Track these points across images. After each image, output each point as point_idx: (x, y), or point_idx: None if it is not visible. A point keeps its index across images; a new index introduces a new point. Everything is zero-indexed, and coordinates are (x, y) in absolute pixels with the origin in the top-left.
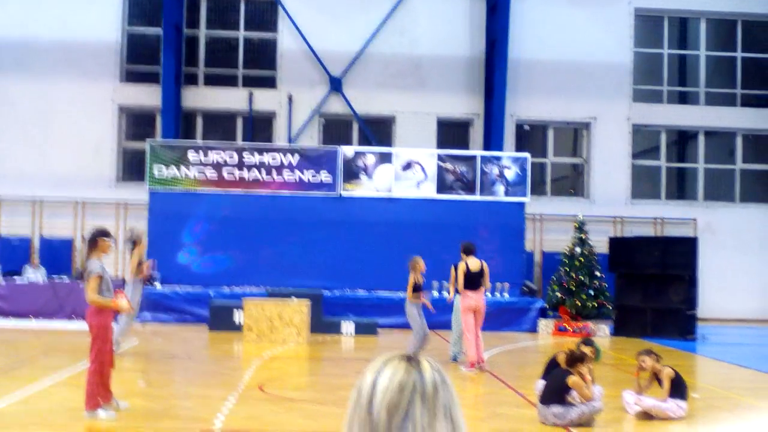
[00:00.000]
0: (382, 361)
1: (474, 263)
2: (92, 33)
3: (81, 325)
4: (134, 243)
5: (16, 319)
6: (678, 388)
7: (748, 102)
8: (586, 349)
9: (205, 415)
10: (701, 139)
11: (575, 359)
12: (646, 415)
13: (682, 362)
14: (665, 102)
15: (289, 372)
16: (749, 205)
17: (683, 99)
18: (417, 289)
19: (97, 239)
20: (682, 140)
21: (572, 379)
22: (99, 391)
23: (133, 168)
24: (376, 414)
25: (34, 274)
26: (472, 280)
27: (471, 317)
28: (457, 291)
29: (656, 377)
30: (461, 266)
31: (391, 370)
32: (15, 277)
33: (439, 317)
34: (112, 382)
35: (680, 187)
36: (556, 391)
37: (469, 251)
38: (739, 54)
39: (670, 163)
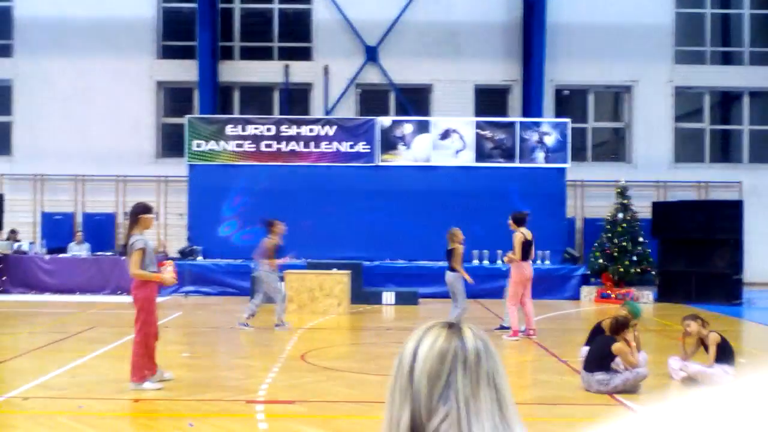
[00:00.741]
0: (424, 329)
1: (528, 233)
2: (128, 10)
3: (125, 299)
4: (270, 226)
5: (62, 294)
6: (724, 354)
7: None
8: (622, 312)
9: (249, 385)
10: (745, 100)
11: (620, 326)
12: (692, 381)
13: (728, 327)
14: (708, 63)
15: (331, 342)
16: None
17: (726, 60)
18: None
19: (139, 215)
20: (726, 102)
21: (617, 346)
22: (144, 363)
23: (172, 143)
24: (417, 382)
25: (78, 250)
26: (527, 250)
27: (521, 288)
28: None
29: (702, 343)
30: (518, 236)
31: (432, 337)
32: (60, 254)
33: (482, 286)
34: (157, 353)
35: (724, 150)
36: (600, 358)
37: (522, 221)
38: None
39: (713, 126)
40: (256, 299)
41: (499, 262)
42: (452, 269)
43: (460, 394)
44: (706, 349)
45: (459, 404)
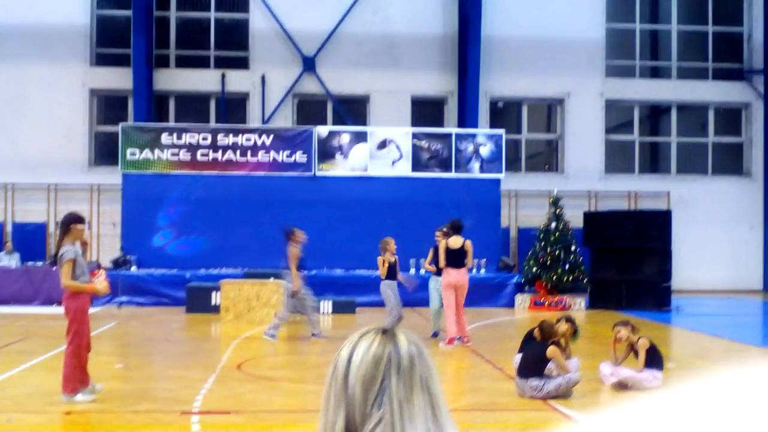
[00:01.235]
0: (358, 335)
1: (455, 241)
2: (61, 16)
3: (57, 310)
4: (290, 235)
5: None
6: (654, 359)
7: (720, 75)
8: (565, 326)
9: (184, 396)
10: (674, 112)
11: (548, 329)
12: (623, 386)
13: (657, 333)
14: (637, 77)
15: (267, 352)
16: (721, 178)
17: (655, 73)
18: (391, 269)
19: (70, 225)
20: (655, 114)
21: (551, 349)
22: (77, 375)
23: (105, 152)
24: (352, 387)
25: (8, 260)
26: (454, 258)
27: (452, 294)
28: (439, 269)
29: (632, 348)
30: (442, 244)
31: (367, 343)
32: None
33: (416, 294)
34: (89, 365)
35: (653, 161)
36: (533, 364)
37: (456, 229)
38: (710, 28)
39: (643, 137)
40: (283, 311)
41: (421, 270)
42: (385, 278)
43: (394, 398)
44: (636, 354)
45: (393, 409)
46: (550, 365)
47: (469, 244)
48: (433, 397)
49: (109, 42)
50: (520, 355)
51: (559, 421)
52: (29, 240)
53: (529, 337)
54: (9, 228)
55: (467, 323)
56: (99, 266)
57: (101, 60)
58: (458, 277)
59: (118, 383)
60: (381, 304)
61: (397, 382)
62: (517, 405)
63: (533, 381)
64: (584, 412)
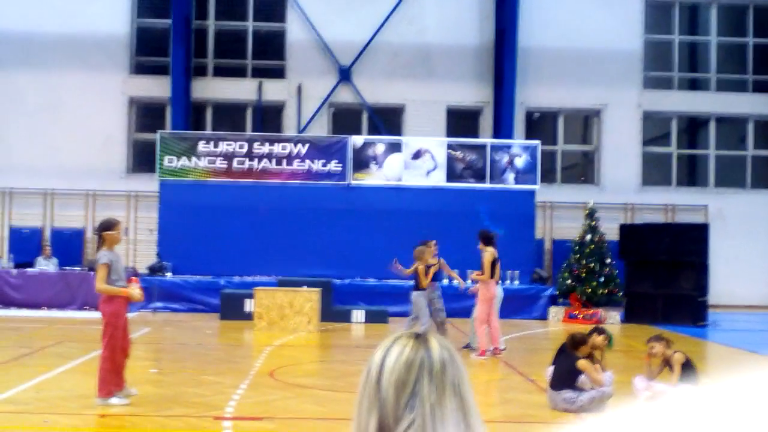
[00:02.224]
0: (392, 339)
1: (494, 251)
2: (101, 26)
3: (93, 315)
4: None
5: (29, 309)
6: (688, 373)
7: (759, 88)
8: (599, 339)
9: (217, 401)
10: (712, 125)
11: (577, 342)
12: (657, 401)
13: (693, 348)
14: (676, 89)
15: (300, 359)
16: (760, 191)
17: (694, 85)
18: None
19: (107, 231)
20: (693, 127)
21: (581, 363)
22: (111, 379)
23: (143, 159)
24: (385, 391)
25: (46, 265)
26: (494, 270)
27: (489, 307)
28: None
29: (667, 363)
30: (488, 255)
31: (400, 347)
32: (27, 268)
33: (451, 305)
34: (125, 369)
35: (691, 174)
36: (565, 376)
37: (490, 240)
38: (750, 39)
39: (681, 150)
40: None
41: (462, 281)
42: (417, 288)
43: (426, 402)
44: (671, 369)
45: (425, 412)
46: (583, 378)
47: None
48: (465, 402)
49: (148, 51)
50: (552, 368)
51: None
52: (67, 246)
53: (561, 350)
54: (48, 233)
55: (501, 335)
56: (135, 273)
57: (140, 69)
58: (499, 289)
59: (153, 388)
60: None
61: (429, 386)
62: (550, 418)
63: (566, 393)
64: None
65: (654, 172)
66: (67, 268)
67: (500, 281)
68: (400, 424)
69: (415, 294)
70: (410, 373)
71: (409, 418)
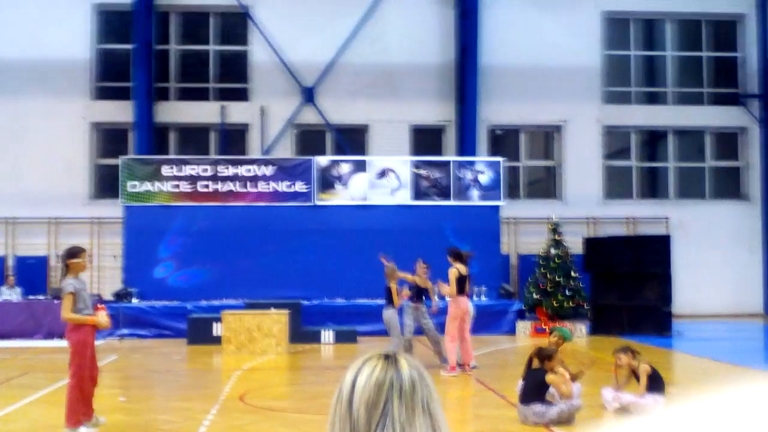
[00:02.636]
0: (362, 360)
1: (463, 268)
2: (63, 51)
3: (59, 344)
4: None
5: None
6: (655, 383)
7: (716, 101)
8: (553, 340)
9: (187, 427)
10: (671, 138)
11: (544, 355)
12: (625, 411)
13: (659, 358)
14: (634, 103)
15: (270, 382)
16: (720, 202)
17: (652, 99)
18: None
19: (70, 259)
20: (653, 140)
21: (551, 377)
22: (79, 408)
23: (106, 185)
24: (356, 411)
25: (9, 294)
26: (462, 285)
27: (458, 323)
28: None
29: (633, 374)
30: (453, 271)
31: (370, 368)
32: None
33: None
34: (93, 397)
35: (652, 187)
36: (535, 390)
37: (459, 256)
38: (704, 53)
39: (641, 163)
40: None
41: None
42: (388, 305)
43: (396, 421)
44: (638, 379)
45: (395, 431)
46: (552, 391)
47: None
48: (435, 420)
49: (109, 76)
50: (522, 382)
51: None
52: (31, 274)
53: (530, 363)
54: (11, 262)
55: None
56: (101, 300)
57: (102, 93)
58: (467, 304)
59: (121, 416)
60: (383, 332)
61: (399, 406)
62: None
63: (535, 407)
64: None
65: (616, 186)
66: (31, 297)
67: (469, 297)
68: None
69: (387, 312)
70: (381, 394)
71: None
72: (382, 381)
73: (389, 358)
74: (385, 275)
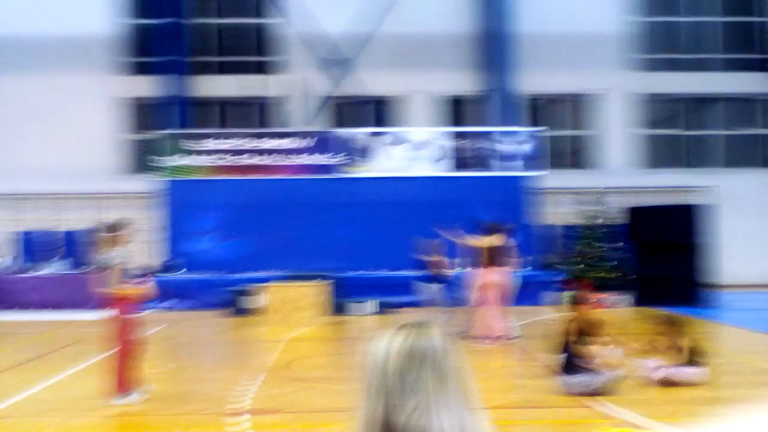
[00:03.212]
0: (395, 329)
1: (490, 240)
2: (104, 26)
3: (106, 315)
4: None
5: (44, 311)
6: (698, 355)
7: (765, 67)
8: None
9: (230, 396)
10: (717, 106)
11: (589, 327)
12: (668, 382)
13: (703, 329)
14: (679, 70)
15: (312, 352)
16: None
17: (697, 66)
18: (438, 267)
19: (114, 232)
20: (698, 107)
21: (594, 348)
22: (128, 376)
23: (148, 159)
24: (390, 377)
25: (59, 267)
26: (493, 257)
27: (484, 293)
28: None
29: (676, 347)
30: (483, 242)
31: (403, 337)
32: (40, 271)
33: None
34: (141, 367)
35: (698, 155)
36: (578, 360)
37: (487, 230)
38: (756, 18)
39: (686, 132)
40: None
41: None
42: (437, 279)
43: (429, 387)
44: (680, 351)
45: (428, 396)
46: (597, 362)
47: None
48: (464, 386)
49: (150, 51)
50: (564, 354)
51: (605, 418)
52: (76, 247)
53: (571, 335)
54: (60, 236)
55: (511, 321)
56: (147, 271)
57: (143, 68)
58: (496, 276)
59: (169, 385)
60: (420, 304)
61: (431, 373)
62: (563, 402)
63: (579, 377)
64: (631, 409)
65: (660, 154)
66: (77, 270)
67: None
68: (406, 408)
69: (434, 286)
70: (413, 360)
71: (413, 402)
72: (414, 349)
73: (422, 326)
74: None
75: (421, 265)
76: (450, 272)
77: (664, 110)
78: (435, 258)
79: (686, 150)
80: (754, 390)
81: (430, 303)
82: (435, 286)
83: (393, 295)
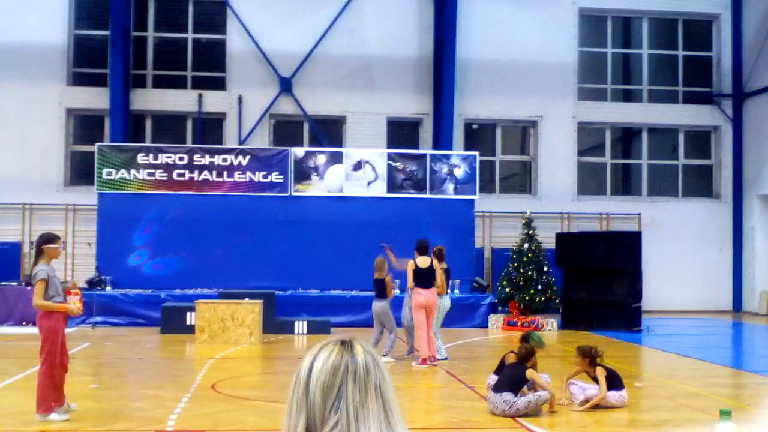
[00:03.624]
0: (319, 346)
1: (424, 261)
2: (38, 36)
3: (30, 330)
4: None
5: None
6: (614, 381)
7: (689, 99)
8: (528, 345)
9: (159, 415)
10: (644, 135)
11: (528, 354)
12: (591, 405)
13: (627, 353)
14: (609, 100)
15: (242, 371)
16: (691, 200)
17: (627, 97)
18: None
19: (43, 245)
20: (626, 137)
21: (530, 372)
22: (50, 394)
23: (81, 172)
24: (312, 394)
25: None
26: (423, 278)
27: (422, 314)
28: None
29: (591, 377)
30: (410, 264)
31: (326, 353)
32: None
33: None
34: (65, 385)
35: (625, 183)
36: (511, 382)
37: (421, 249)
38: (680, 52)
39: (614, 160)
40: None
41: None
42: (380, 298)
43: (350, 403)
44: (597, 382)
45: (349, 412)
46: (525, 388)
47: (436, 263)
48: (386, 402)
49: (86, 62)
50: (495, 376)
51: None
52: (3, 260)
53: (503, 361)
54: None
55: (444, 343)
56: (74, 286)
57: (78, 80)
58: (428, 297)
59: (93, 402)
60: (356, 324)
61: (353, 389)
62: (489, 422)
63: (506, 395)
64: (552, 430)
65: (589, 182)
66: (3, 283)
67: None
68: (327, 424)
69: (379, 304)
70: (336, 377)
71: (334, 418)
72: (337, 365)
73: (345, 344)
74: (375, 267)
75: (374, 284)
76: (393, 290)
77: (593, 139)
78: (381, 275)
79: (612, 178)
80: (673, 413)
81: (388, 323)
82: (380, 304)
83: (328, 314)
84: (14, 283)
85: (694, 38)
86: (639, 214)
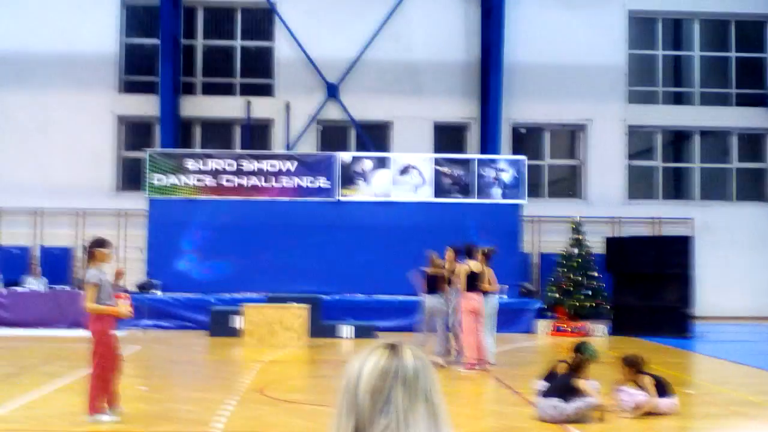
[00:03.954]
0: (369, 350)
1: (476, 265)
2: (90, 45)
3: (82, 333)
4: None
5: (18, 328)
6: (664, 389)
7: (742, 101)
8: (582, 357)
9: (206, 417)
10: (696, 139)
11: (579, 366)
12: (642, 412)
13: (678, 360)
14: (660, 103)
15: (289, 375)
16: (744, 204)
17: (678, 99)
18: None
19: (94, 251)
20: (678, 140)
21: (581, 382)
22: (101, 396)
23: (132, 177)
24: (361, 398)
25: (35, 284)
26: (476, 282)
27: (473, 319)
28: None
29: (638, 386)
30: (464, 268)
31: (376, 357)
32: (16, 287)
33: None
34: (116, 386)
35: (676, 187)
36: (561, 389)
37: (470, 253)
38: (732, 54)
39: (666, 164)
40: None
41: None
42: (432, 292)
43: (399, 407)
44: (642, 389)
45: (398, 416)
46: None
47: (486, 268)
48: (435, 407)
49: (136, 70)
50: (543, 382)
51: None
52: (56, 264)
53: (555, 370)
54: (37, 252)
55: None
56: (125, 290)
57: (129, 87)
58: (481, 301)
59: (142, 404)
60: (401, 328)
61: (402, 393)
62: (537, 428)
63: (555, 400)
64: None
65: (640, 186)
66: (56, 286)
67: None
68: (376, 428)
69: (432, 300)
70: (385, 381)
71: (383, 422)
72: (386, 369)
73: (394, 348)
74: (432, 263)
75: (428, 280)
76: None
77: (644, 142)
78: (436, 271)
79: (663, 182)
80: (726, 420)
81: (417, 324)
82: (435, 299)
83: (373, 319)
84: (66, 287)
85: (746, 39)
86: (691, 218)
